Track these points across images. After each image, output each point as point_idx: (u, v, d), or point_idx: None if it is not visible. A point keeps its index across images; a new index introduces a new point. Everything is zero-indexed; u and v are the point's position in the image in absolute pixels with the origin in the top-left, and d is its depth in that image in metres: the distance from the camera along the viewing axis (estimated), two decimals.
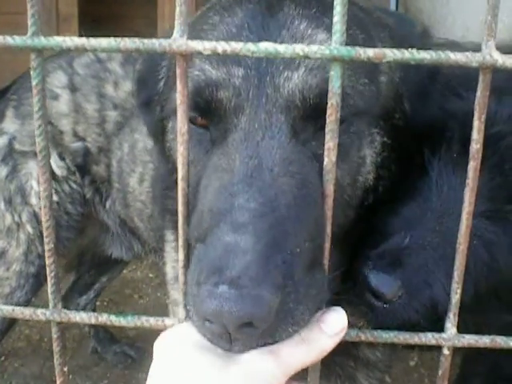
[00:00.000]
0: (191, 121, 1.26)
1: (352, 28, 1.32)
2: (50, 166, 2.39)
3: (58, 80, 2.50)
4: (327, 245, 1.10)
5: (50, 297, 1.17)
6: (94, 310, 3.43)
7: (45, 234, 1.14)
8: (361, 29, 1.35)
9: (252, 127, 1.19)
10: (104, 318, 1.17)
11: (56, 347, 1.21)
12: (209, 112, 1.25)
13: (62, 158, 2.49)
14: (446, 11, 5.33)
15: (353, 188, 1.32)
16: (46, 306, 1.19)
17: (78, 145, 2.50)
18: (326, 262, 1.12)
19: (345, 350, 1.80)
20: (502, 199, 1.41)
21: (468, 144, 1.04)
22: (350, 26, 1.31)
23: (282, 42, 1.23)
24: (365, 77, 1.29)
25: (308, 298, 1.07)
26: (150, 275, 4.08)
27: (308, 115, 1.21)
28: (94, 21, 5.97)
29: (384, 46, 1.36)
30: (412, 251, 1.36)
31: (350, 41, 1.26)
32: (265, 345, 1.04)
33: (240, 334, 1.01)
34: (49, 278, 1.17)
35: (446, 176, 1.42)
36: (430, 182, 1.43)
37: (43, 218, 1.13)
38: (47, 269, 1.16)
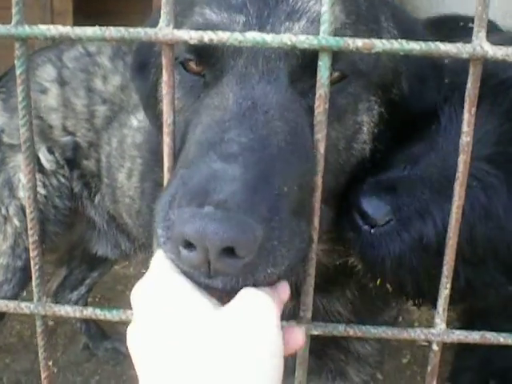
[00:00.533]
0: (184, 66, 1.24)
1: (362, 6, 1.31)
2: (38, 159, 2.41)
3: (46, 73, 2.47)
4: (315, 237, 1.09)
5: (35, 290, 1.16)
6: (85, 306, 3.42)
7: (29, 225, 1.12)
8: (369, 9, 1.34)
9: (249, 70, 1.17)
10: (89, 312, 1.16)
11: (40, 341, 1.20)
12: (206, 55, 1.22)
13: (51, 152, 2.47)
14: (442, 8, 5.33)
15: (347, 154, 1.30)
16: (33, 299, 1.17)
17: (67, 139, 2.47)
18: (311, 252, 1.10)
19: (335, 343, 1.79)
20: (507, 142, 1.40)
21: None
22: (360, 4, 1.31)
23: (277, 8, 1.21)
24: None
25: (291, 242, 1.04)
26: (143, 271, 4.05)
27: (306, 65, 1.18)
28: (88, 17, 5.93)
29: (387, 22, 1.37)
30: (408, 181, 1.34)
31: (354, 4, 1.26)
32: (243, 286, 1.00)
33: (221, 262, 0.97)
34: (33, 271, 1.15)
35: (455, 122, 1.41)
36: (439, 127, 1.42)
37: (27, 210, 1.11)
38: (31, 261, 1.15)
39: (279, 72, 1.17)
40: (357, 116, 1.29)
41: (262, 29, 1.18)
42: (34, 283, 1.16)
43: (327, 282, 1.58)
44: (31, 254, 1.14)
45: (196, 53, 1.23)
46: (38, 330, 1.19)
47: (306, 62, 1.18)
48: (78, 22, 5.52)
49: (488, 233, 1.36)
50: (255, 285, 1.01)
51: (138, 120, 2.34)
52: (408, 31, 1.41)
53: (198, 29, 1.17)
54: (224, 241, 0.95)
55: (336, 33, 1.01)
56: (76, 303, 3.33)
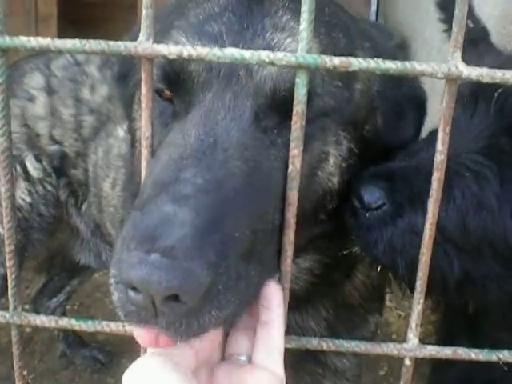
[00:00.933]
0: (157, 92, 1.25)
1: (335, 31, 1.32)
2: (25, 167, 2.40)
3: (34, 81, 2.47)
4: (290, 252, 1.10)
5: (10, 299, 1.16)
6: (64, 313, 3.40)
7: (6, 235, 1.12)
8: (344, 33, 1.34)
9: (216, 105, 1.17)
10: (64, 322, 1.16)
11: (15, 350, 1.20)
12: (176, 84, 1.23)
13: (38, 160, 2.47)
14: (425, 22, 5.36)
15: (311, 181, 1.31)
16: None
17: (54, 148, 2.47)
18: (286, 267, 1.11)
19: (313, 357, 1.80)
20: (500, 136, 1.44)
21: None
22: (334, 29, 1.31)
23: (262, 30, 1.23)
24: (339, 80, 1.28)
25: (237, 287, 1.05)
26: None
27: (274, 106, 1.20)
28: (73, 22, 5.94)
29: (365, 56, 1.36)
30: (404, 171, 1.41)
31: (332, 43, 1.25)
32: (188, 327, 1.01)
33: (165, 307, 0.98)
34: (9, 280, 1.15)
35: (463, 121, 1.47)
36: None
37: (4, 219, 1.12)
38: (8, 271, 1.15)
39: (245, 109, 1.18)
40: (324, 146, 1.29)
41: (234, 64, 1.18)
42: (9, 292, 1.16)
43: (299, 299, 1.58)
44: (8, 264, 1.15)
45: (168, 82, 1.24)
46: (14, 339, 1.19)
47: (274, 102, 1.20)
48: (62, 28, 5.52)
49: (481, 222, 1.40)
50: (199, 327, 1.02)
51: (124, 130, 2.34)
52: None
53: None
54: (168, 289, 0.96)
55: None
56: (54, 310, 3.32)
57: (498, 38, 3.64)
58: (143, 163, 1.07)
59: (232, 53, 0.97)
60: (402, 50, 5.57)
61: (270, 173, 1.15)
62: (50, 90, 2.48)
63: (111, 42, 0.98)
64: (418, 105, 1.51)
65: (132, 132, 1.47)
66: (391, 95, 1.43)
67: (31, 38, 1.00)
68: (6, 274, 2.43)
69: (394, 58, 1.41)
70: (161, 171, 1.11)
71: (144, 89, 1.02)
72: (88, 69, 2.49)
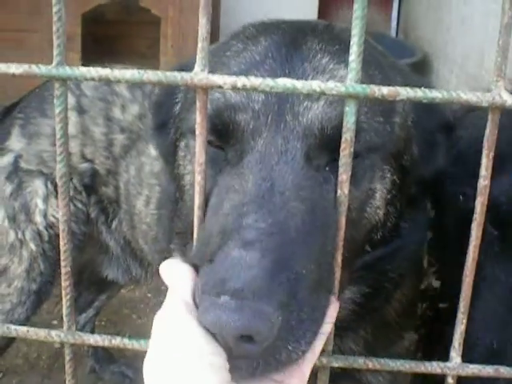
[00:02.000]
0: (208, 142, 1.29)
1: (371, 68, 1.36)
2: (56, 186, 2.44)
3: None
4: (337, 274, 1.13)
5: (65, 319, 1.21)
6: (93, 329, 3.44)
7: (62, 257, 1.17)
8: (379, 70, 1.38)
9: (268, 151, 1.21)
10: (117, 341, 1.20)
11: (68, 369, 1.24)
12: (226, 135, 1.26)
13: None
14: (447, 38, 5.39)
15: (360, 217, 1.34)
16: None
17: (85, 166, 2.52)
18: (335, 289, 1.15)
19: (348, 375, 1.81)
20: None
21: None
22: (370, 66, 1.35)
23: (304, 74, 1.27)
24: (381, 115, 1.32)
25: (311, 319, 1.09)
26: (149, 295, 4.09)
27: (324, 144, 1.24)
28: (96, 41, 6.02)
29: None
30: None
31: (369, 80, 1.28)
32: (267, 365, 1.05)
33: (240, 348, 1.02)
34: (64, 301, 1.20)
35: None
36: None
37: (61, 242, 1.16)
38: (63, 291, 1.19)
39: (297, 152, 1.21)
40: (371, 184, 1.33)
41: (280, 107, 1.24)
42: (64, 312, 1.20)
43: (341, 327, 1.62)
44: (63, 284, 1.19)
45: (217, 133, 1.27)
46: (67, 357, 1.23)
47: (323, 141, 1.23)
48: (86, 46, 5.59)
49: None
50: (278, 364, 1.06)
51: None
52: None
53: (217, 109, 1.25)
54: (239, 330, 0.99)
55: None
56: (84, 326, 3.36)
57: None
58: (196, 188, 1.11)
59: (284, 83, 1.01)
60: (423, 67, 5.62)
61: (327, 208, 1.19)
62: (80, 110, 2.53)
63: (168, 73, 1.03)
64: (447, 131, 1.54)
65: (178, 178, 1.50)
66: (424, 124, 1.47)
67: (91, 69, 1.04)
68: (39, 289, 2.52)
69: (420, 86, 1.47)
70: (224, 219, 1.15)
71: (199, 117, 1.06)
72: (118, 88, 2.54)
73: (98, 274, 3.03)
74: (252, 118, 1.24)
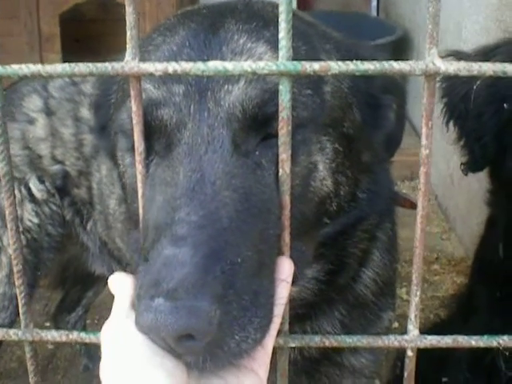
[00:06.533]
0: None
1: (294, 40, 1.34)
2: (30, 189, 2.44)
3: (33, 104, 2.51)
4: (286, 253, 1.13)
5: (22, 317, 1.20)
6: (84, 327, 3.44)
7: (13, 255, 1.17)
8: (303, 41, 1.37)
9: (195, 141, 1.20)
10: (75, 336, 1.19)
11: (30, 366, 1.24)
12: (150, 130, 1.24)
13: (41, 181, 2.50)
14: (425, 15, 5.37)
15: (305, 191, 1.33)
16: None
17: (56, 168, 2.51)
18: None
19: (328, 359, 1.81)
20: None
21: None
22: (293, 39, 1.35)
23: (222, 58, 1.26)
24: (308, 88, 1.31)
25: (256, 305, 1.08)
26: None
27: (248, 126, 1.23)
28: (76, 40, 6.00)
29: (329, 58, 1.39)
30: None
31: (293, 53, 1.29)
32: (217, 358, 1.04)
33: (182, 347, 1.01)
34: (19, 299, 1.19)
35: None
36: None
37: (10, 241, 1.16)
38: (17, 290, 1.19)
39: (223, 139, 1.20)
40: (310, 157, 1.31)
41: (201, 96, 1.23)
42: (20, 310, 1.20)
43: (310, 307, 1.62)
44: (16, 283, 1.19)
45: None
46: (27, 355, 1.23)
47: (247, 122, 1.23)
48: (66, 46, 5.56)
49: None
50: (229, 355, 1.05)
51: None
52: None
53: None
54: (176, 331, 0.98)
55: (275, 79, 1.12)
56: (75, 325, 3.37)
57: (496, 25, 3.67)
58: (138, 177, 1.11)
59: (215, 65, 1.00)
60: (404, 43, 5.61)
61: (264, 192, 1.18)
62: (48, 112, 2.51)
63: (99, 64, 1.02)
64: (395, 92, 1.53)
65: (121, 176, 1.49)
66: (363, 88, 1.45)
67: (23, 66, 1.04)
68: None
69: (356, 53, 1.45)
70: (157, 214, 1.15)
71: (134, 106, 1.06)
72: (85, 88, 2.52)
73: (84, 269, 3.02)
74: (175, 112, 1.23)
